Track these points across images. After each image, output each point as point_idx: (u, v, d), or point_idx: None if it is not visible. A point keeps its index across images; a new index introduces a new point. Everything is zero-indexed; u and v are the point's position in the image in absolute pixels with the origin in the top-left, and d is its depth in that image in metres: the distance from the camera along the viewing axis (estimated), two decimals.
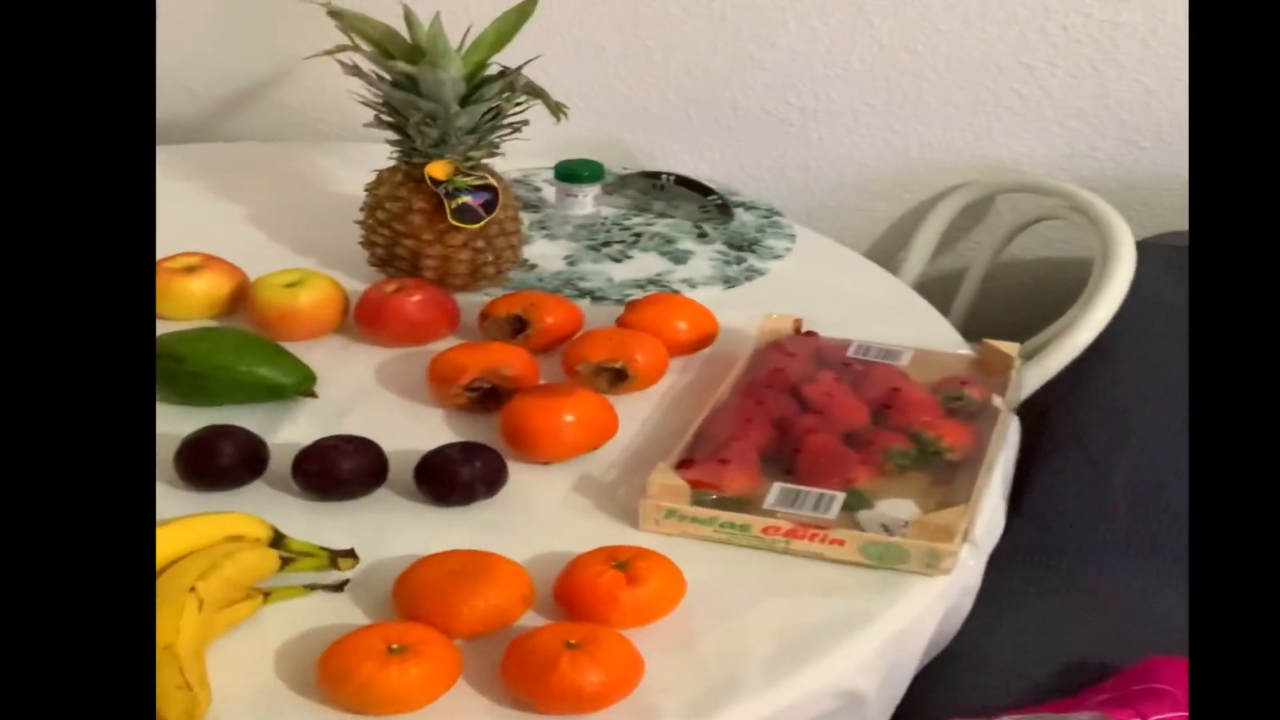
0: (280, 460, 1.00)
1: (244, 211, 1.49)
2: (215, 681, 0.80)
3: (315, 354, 1.16)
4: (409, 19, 1.22)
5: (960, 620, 1.01)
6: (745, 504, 0.97)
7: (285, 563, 0.89)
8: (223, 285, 1.25)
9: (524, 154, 1.47)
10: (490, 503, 1.00)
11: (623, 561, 0.89)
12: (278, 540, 0.91)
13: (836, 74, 1.61)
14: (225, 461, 0.99)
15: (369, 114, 1.25)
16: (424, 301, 1.21)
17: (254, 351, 1.12)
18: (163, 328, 1.17)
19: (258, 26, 1.71)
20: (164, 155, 1.59)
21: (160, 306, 1.22)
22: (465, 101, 1.22)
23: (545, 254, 1.40)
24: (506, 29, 1.24)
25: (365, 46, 1.22)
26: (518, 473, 1.02)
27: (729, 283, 1.36)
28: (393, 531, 0.96)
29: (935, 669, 1.01)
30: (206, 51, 1.77)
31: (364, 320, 1.22)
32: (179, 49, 1.77)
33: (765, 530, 0.95)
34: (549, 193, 1.50)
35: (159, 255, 1.24)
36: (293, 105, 1.78)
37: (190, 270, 1.24)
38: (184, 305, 1.23)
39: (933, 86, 1.60)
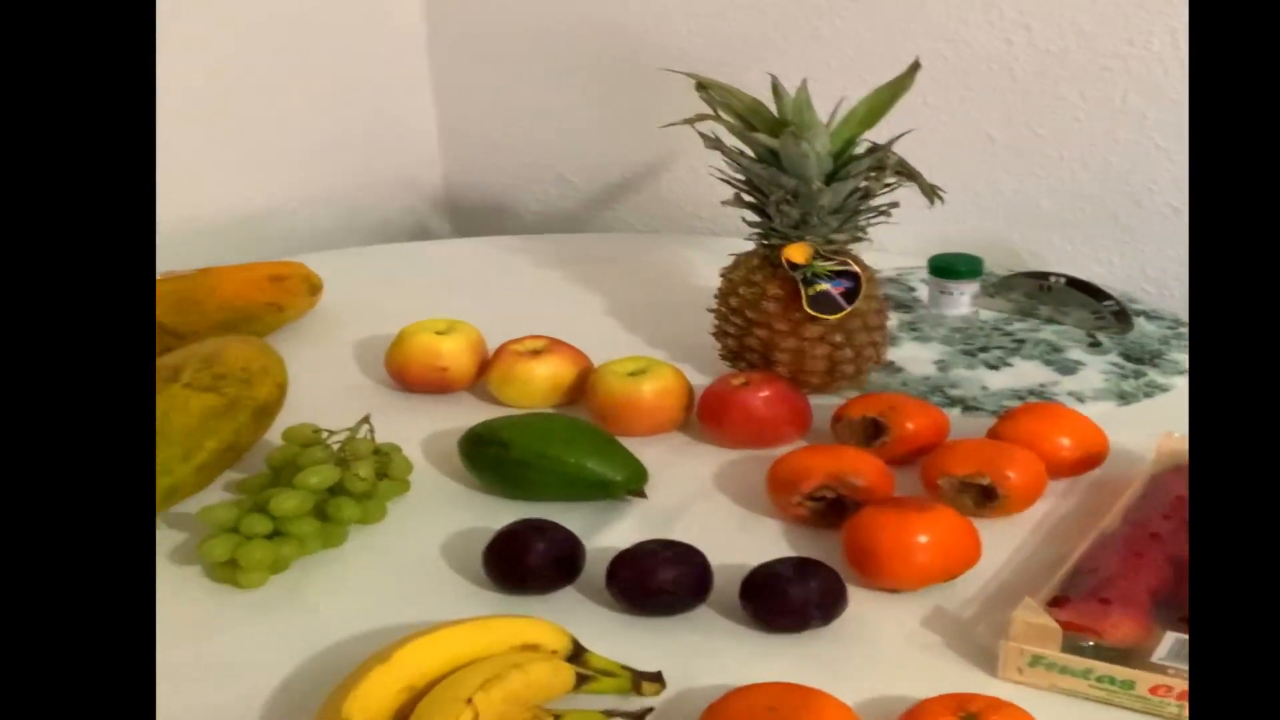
0: (597, 564, 0.91)
1: (602, 301, 1.43)
2: None
3: (652, 450, 1.07)
4: (776, 89, 1.13)
5: None
6: (1130, 656, 0.81)
7: (582, 681, 0.79)
8: (567, 371, 1.18)
9: (898, 253, 1.36)
10: (823, 631, 0.87)
11: (973, 713, 0.75)
12: (577, 654, 0.81)
13: None
14: (535, 561, 0.90)
15: (739, 209, 1.17)
16: (772, 398, 1.10)
17: (585, 443, 1.04)
18: (502, 412, 1.11)
19: (636, 120, 1.67)
20: (537, 244, 1.59)
21: (501, 390, 1.18)
22: (830, 179, 1.11)
23: (914, 357, 1.26)
24: (879, 104, 1.13)
25: (728, 118, 1.13)
26: (859, 599, 0.89)
27: (1124, 399, 1.19)
28: (708, 655, 0.85)
29: None
30: (586, 144, 1.76)
31: (707, 416, 1.12)
32: (560, 142, 1.77)
33: (1154, 690, 0.79)
34: (923, 293, 1.38)
35: (510, 337, 1.20)
36: (668, 198, 1.73)
37: (536, 354, 1.18)
38: (526, 390, 1.17)
39: None
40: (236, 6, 1.58)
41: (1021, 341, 1.30)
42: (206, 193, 1.59)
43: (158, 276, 1.28)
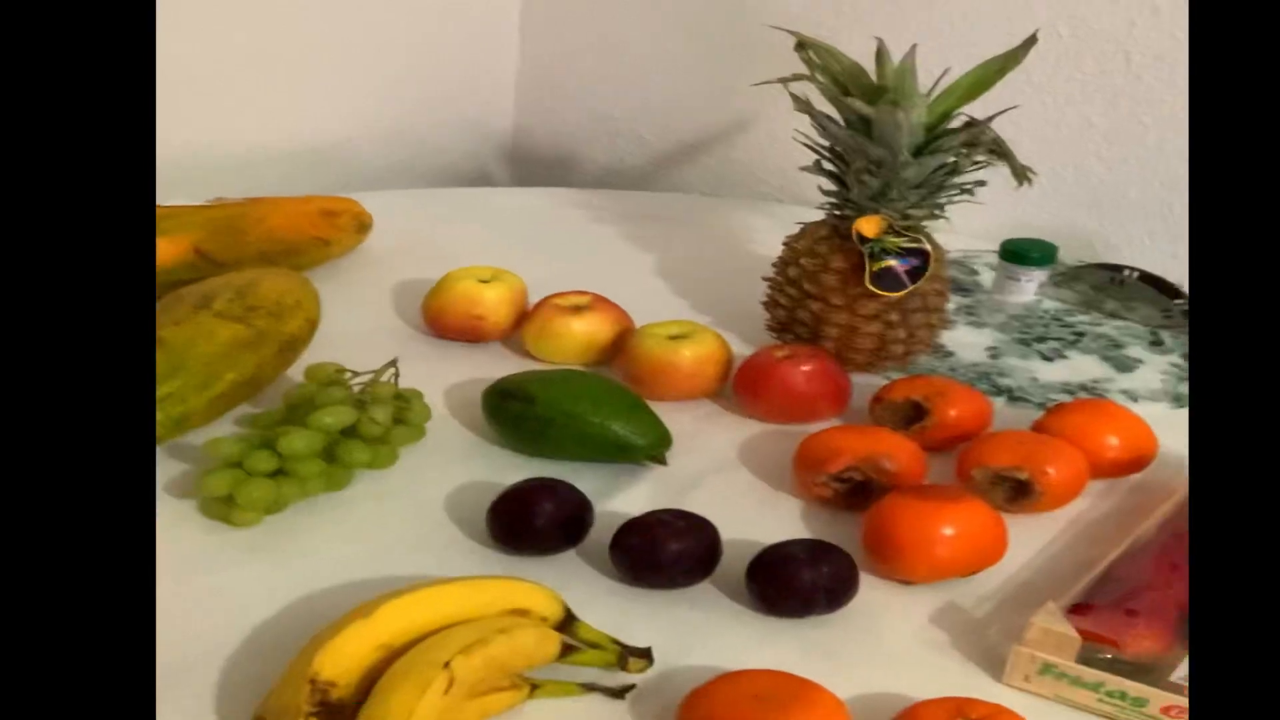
0: (605, 530, 0.88)
1: (655, 261, 1.40)
2: None
3: (681, 417, 1.04)
4: (880, 54, 1.08)
5: None
6: (1148, 672, 0.76)
7: (567, 651, 0.76)
8: (605, 329, 1.15)
9: (967, 234, 1.31)
10: (829, 619, 0.83)
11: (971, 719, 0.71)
12: (567, 623, 0.78)
13: None
14: (540, 522, 0.87)
15: (810, 179, 1.13)
16: (813, 373, 1.06)
17: (612, 404, 1.01)
18: (534, 366, 1.09)
19: (723, 79, 1.63)
20: (597, 199, 1.56)
21: (535, 344, 1.15)
22: (919, 152, 1.06)
23: (966, 342, 1.22)
24: (985, 78, 1.08)
25: (824, 80, 1.09)
26: (870, 587, 0.85)
27: (1179, 401, 1.13)
28: (705, 634, 0.81)
29: None
30: (665, 99, 1.73)
31: (743, 386, 1.08)
32: (639, 94, 1.73)
33: (1166, 710, 0.75)
34: (986, 277, 1.33)
35: (555, 291, 1.17)
36: (739, 160, 1.69)
37: (577, 310, 1.15)
38: (560, 345, 1.14)
39: None
40: None
41: (1081, 334, 1.24)
42: (270, 120, 1.57)
43: (206, 202, 1.26)
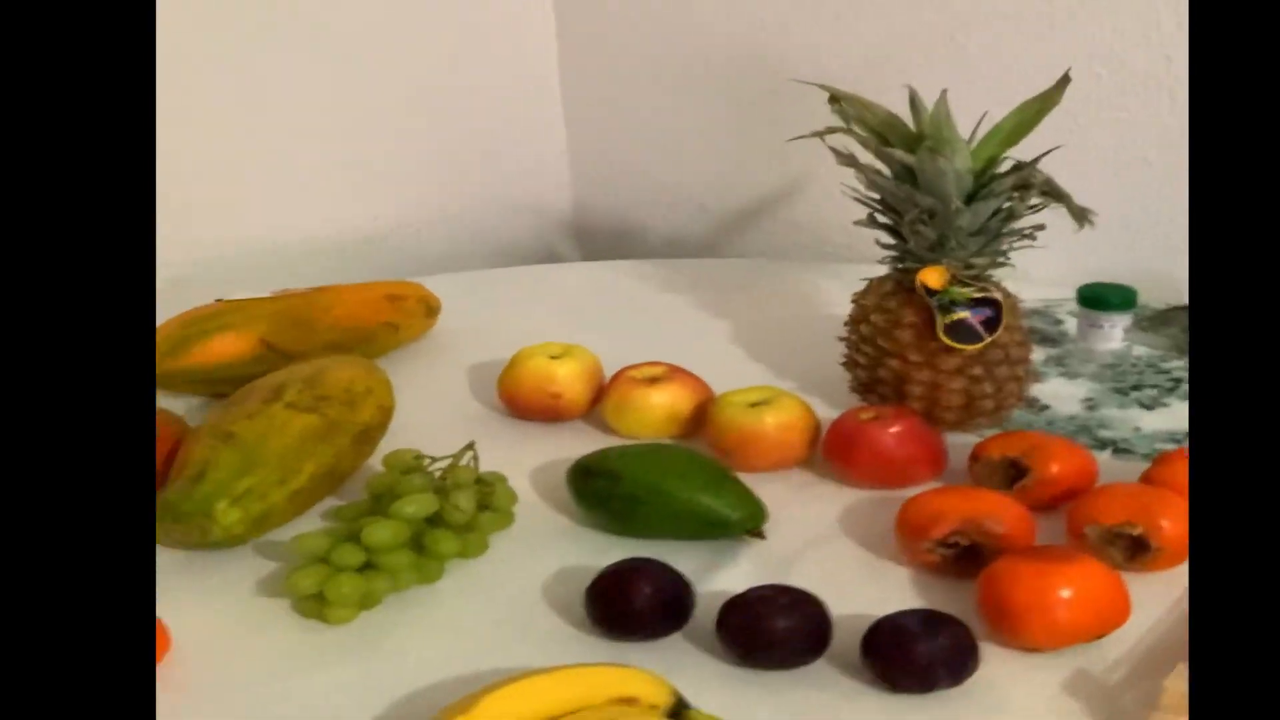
0: (708, 610, 0.84)
1: (728, 328, 1.37)
2: None
3: (773, 488, 1.00)
4: (914, 102, 1.06)
5: None
6: None
7: None
8: (685, 399, 1.12)
9: (1044, 283, 1.27)
10: (952, 694, 0.79)
11: None
12: (679, 710, 0.74)
13: None
14: (640, 604, 0.83)
15: (873, 234, 1.10)
16: (903, 434, 1.03)
17: (700, 477, 0.97)
18: (612, 441, 1.06)
19: (768, 142, 1.61)
20: (664, 269, 1.54)
21: (615, 418, 1.12)
22: (970, 199, 1.03)
23: (1060, 394, 1.18)
24: (1026, 120, 1.06)
25: (862, 132, 1.06)
26: (993, 658, 0.81)
27: None
28: (824, 715, 0.77)
29: None
30: (717, 167, 1.71)
31: (833, 452, 1.05)
32: (691, 164, 1.72)
33: None
34: (1071, 325, 1.29)
35: (628, 364, 1.14)
36: (799, 222, 1.66)
37: (653, 381, 1.12)
38: (641, 418, 1.11)
39: None
40: (366, 27, 1.55)
41: (1179, 380, 1.20)
42: (330, 211, 1.57)
43: (272, 294, 1.24)
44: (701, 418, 1.11)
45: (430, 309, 1.33)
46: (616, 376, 1.14)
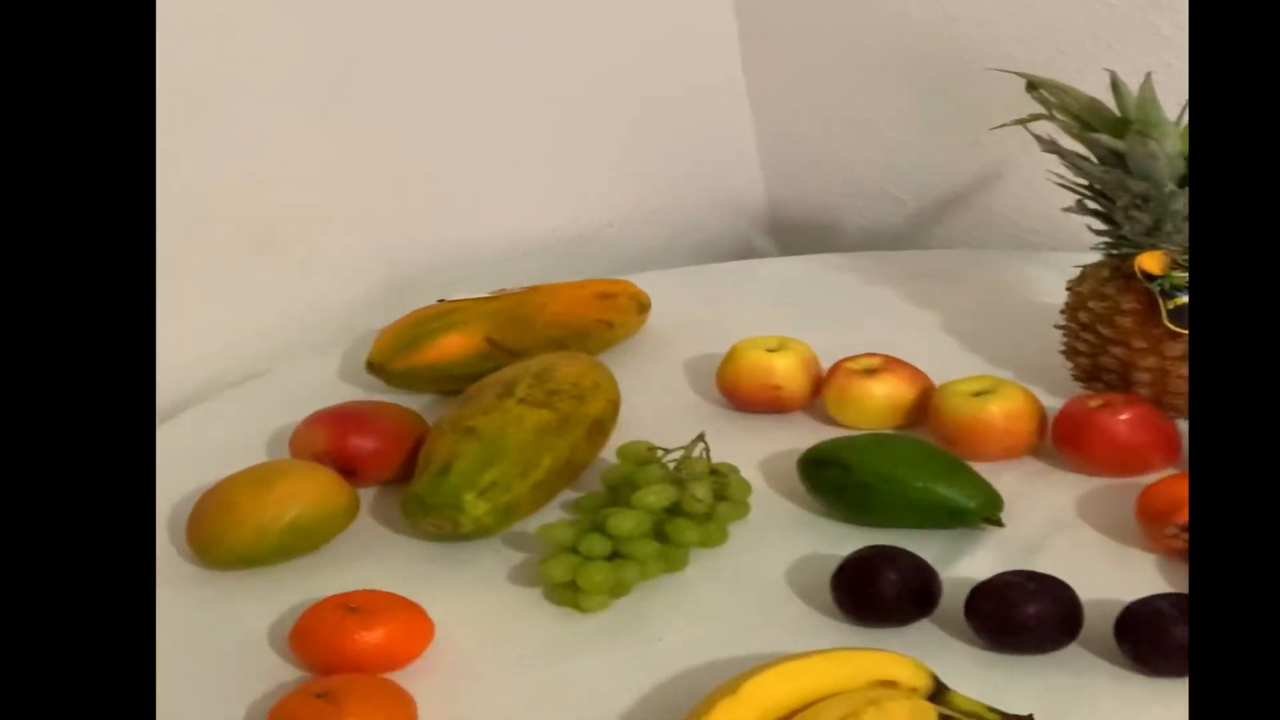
0: (953, 597, 0.85)
1: (936, 318, 1.36)
2: None
3: (1004, 477, 1.00)
4: (1115, 86, 1.04)
5: None
6: None
7: None
8: (906, 390, 1.12)
9: None
10: None
11: None
12: (939, 693, 0.75)
13: None
14: (888, 590, 0.84)
15: (1080, 221, 1.09)
16: (1134, 422, 1.02)
17: (932, 466, 0.98)
18: (836, 433, 1.06)
19: (962, 130, 1.60)
20: (864, 261, 1.54)
21: (838, 409, 1.13)
22: (1184, 181, 1.02)
23: None
24: None
25: (1064, 118, 1.06)
26: None
27: None
28: (1084, 700, 0.78)
29: None
30: (910, 157, 1.69)
31: (1063, 440, 1.04)
32: (883, 155, 1.71)
33: None
34: None
35: (842, 355, 1.15)
36: (1000, 212, 1.65)
37: (871, 373, 1.13)
38: (862, 410, 1.12)
39: None
40: (563, 32, 1.58)
41: None
42: (535, 213, 1.60)
43: (489, 294, 1.28)
44: (922, 408, 1.11)
45: (641, 305, 1.35)
46: (835, 368, 1.15)
